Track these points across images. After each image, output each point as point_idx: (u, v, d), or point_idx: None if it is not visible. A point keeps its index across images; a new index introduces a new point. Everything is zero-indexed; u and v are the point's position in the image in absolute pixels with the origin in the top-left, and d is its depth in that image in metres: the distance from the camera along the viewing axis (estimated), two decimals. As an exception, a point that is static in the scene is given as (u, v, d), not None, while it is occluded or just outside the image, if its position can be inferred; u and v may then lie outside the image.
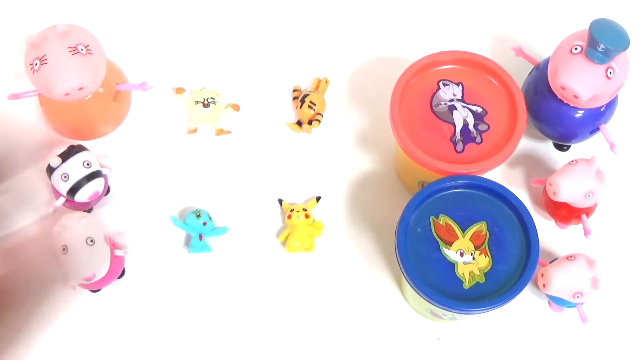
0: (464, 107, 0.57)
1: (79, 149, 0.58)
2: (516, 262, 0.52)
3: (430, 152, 0.55)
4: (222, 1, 0.70)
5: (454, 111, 0.57)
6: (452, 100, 0.57)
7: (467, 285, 0.51)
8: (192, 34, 0.69)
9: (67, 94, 0.56)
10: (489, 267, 0.52)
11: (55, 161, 0.57)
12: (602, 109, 0.60)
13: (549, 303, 0.60)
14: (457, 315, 0.55)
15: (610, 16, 0.56)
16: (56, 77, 0.55)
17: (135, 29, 0.69)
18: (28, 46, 0.56)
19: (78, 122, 0.62)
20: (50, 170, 0.58)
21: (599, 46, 0.53)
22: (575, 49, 0.55)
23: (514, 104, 0.56)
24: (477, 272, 0.52)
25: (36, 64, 0.56)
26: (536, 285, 0.59)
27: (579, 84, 0.55)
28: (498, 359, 0.60)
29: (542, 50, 0.67)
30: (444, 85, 0.58)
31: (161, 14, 0.70)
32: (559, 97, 0.59)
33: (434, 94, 0.58)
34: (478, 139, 0.56)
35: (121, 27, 0.69)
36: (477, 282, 0.52)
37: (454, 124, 0.57)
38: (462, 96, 0.58)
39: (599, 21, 0.54)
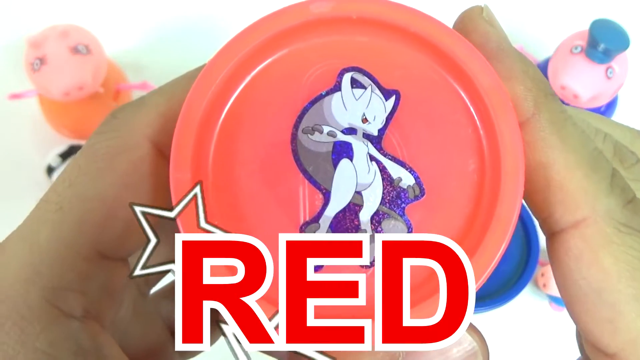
0: (373, 157, 0.23)
1: (79, 148, 0.58)
2: (516, 262, 0.52)
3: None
4: (222, 1, 0.70)
5: (343, 160, 0.23)
6: (351, 130, 0.23)
7: (467, 285, 0.52)
8: (193, 34, 0.69)
9: (67, 94, 0.56)
10: (489, 267, 0.52)
11: (55, 161, 0.57)
12: (602, 109, 0.60)
13: (549, 303, 0.60)
14: (457, 315, 0.55)
15: (610, 16, 0.56)
16: (56, 77, 0.55)
17: (135, 29, 0.69)
18: (28, 46, 0.56)
19: (78, 122, 0.62)
20: (51, 170, 0.58)
21: (599, 46, 0.53)
22: (575, 48, 0.56)
23: (497, 152, 0.23)
24: (477, 272, 0.52)
25: (36, 64, 0.56)
26: (536, 285, 0.59)
27: (579, 84, 0.55)
28: (498, 358, 0.60)
29: (542, 50, 0.67)
30: (354, 85, 0.24)
31: (162, 14, 0.70)
32: (559, 97, 0.59)
33: (314, 103, 0.24)
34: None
35: (121, 27, 0.69)
36: (477, 282, 0.52)
37: (327, 191, 0.23)
38: (383, 129, 0.23)
39: (599, 21, 0.54)
